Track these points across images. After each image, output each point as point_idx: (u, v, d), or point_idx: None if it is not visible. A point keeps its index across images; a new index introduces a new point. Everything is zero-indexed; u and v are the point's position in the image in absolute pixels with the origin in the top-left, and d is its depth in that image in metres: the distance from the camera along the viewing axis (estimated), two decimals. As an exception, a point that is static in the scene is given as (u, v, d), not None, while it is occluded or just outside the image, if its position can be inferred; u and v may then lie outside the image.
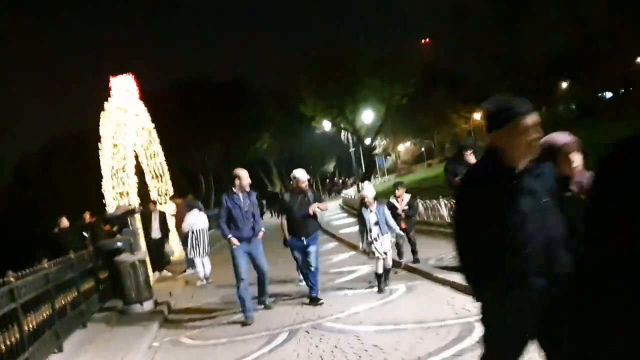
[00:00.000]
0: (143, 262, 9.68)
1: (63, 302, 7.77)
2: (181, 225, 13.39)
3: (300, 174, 7.94)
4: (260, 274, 8.02)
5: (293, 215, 7.89)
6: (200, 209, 12.18)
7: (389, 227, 8.02)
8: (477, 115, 61.72)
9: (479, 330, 5.20)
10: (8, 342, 5.36)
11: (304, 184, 7.98)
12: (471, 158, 7.17)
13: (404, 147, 63.32)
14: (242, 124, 35.67)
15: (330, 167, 70.40)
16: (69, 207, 18.97)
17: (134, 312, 9.40)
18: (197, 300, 10.32)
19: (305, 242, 7.88)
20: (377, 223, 7.90)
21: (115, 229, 11.27)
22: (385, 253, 7.86)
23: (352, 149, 41.13)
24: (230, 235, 7.64)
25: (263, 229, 7.96)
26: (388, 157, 63.73)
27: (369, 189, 8.47)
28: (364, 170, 43.73)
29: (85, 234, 12.55)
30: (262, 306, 8.12)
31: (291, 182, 8.21)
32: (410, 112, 38.18)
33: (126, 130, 13.98)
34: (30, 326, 6.14)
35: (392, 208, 8.99)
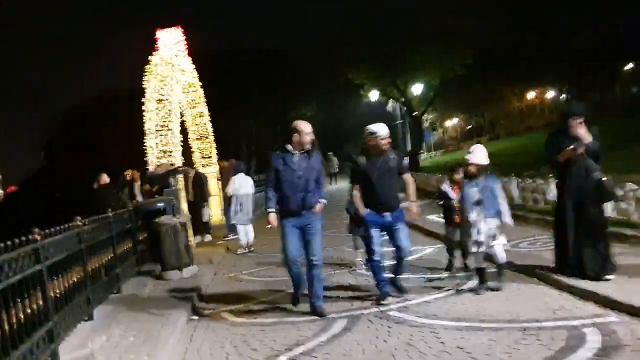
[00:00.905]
0: (184, 225, 8.94)
1: (97, 265, 7.08)
2: (224, 188, 12.68)
3: (380, 129, 6.12)
4: (310, 263, 6.09)
5: (371, 184, 6.11)
6: (246, 173, 11.35)
7: (497, 209, 5.98)
8: (531, 95, 59.24)
9: (593, 340, 4.30)
10: (29, 310, 4.63)
11: (385, 142, 6.11)
12: (581, 129, 5.67)
13: (452, 123, 61.32)
14: (287, 92, 34.72)
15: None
16: (110, 166, 18.51)
17: (172, 279, 8.70)
18: (238, 269, 9.56)
19: (389, 218, 6.10)
20: (479, 202, 6.01)
21: (155, 188, 10.56)
22: (492, 241, 5.99)
23: (399, 121, 39.66)
24: (271, 209, 6.09)
25: (324, 200, 6.25)
26: (434, 133, 61.88)
27: (479, 154, 6.24)
28: (410, 143, 42.37)
29: (135, 192, 11.85)
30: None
31: (366, 141, 6.23)
32: (463, 85, 36.46)
33: (172, 86, 13.20)
34: (58, 291, 5.42)
35: (444, 196, 7.46)
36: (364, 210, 6.21)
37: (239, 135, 37.14)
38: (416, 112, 31.63)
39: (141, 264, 9.65)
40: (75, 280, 6.11)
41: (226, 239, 12.74)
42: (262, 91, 34.25)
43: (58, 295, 5.39)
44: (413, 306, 5.84)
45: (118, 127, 29.49)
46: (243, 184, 11.14)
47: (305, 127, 6.05)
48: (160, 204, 9.04)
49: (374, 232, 6.16)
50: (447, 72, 28.30)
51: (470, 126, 63.34)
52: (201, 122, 16.36)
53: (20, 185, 56.80)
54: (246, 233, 11.24)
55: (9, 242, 4.43)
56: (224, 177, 13.50)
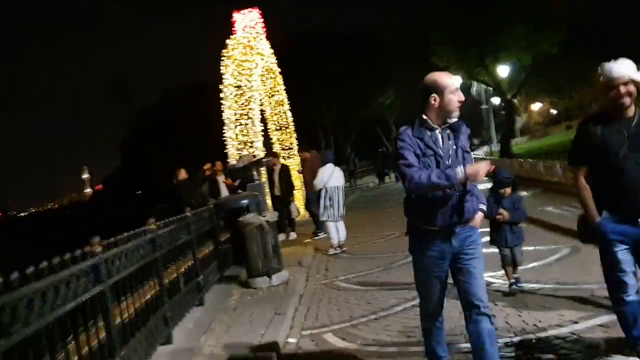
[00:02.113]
0: (273, 224, 7.73)
1: (175, 275, 5.98)
2: (307, 182, 11.43)
3: (625, 68, 3.42)
4: (473, 312, 3.51)
5: (612, 165, 3.45)
6: (335, 163, 10.04)
7: None
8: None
9: None
10: (85, 349, 3.50)
11: (633, 92, 3.41)
12: None
13: (538, 107, 57.39)
14: (366, 77, 33.12)
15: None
16: (189, 160, 17.73)
17: (260, 287, 7.52)
18: (333, 274, 8.27)
19: None
20: None
21: (237, 183, 9.45)
22: None
23: (484, 106, 37.15)
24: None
25: (483, 205, 3.62)
26: (518, 118, 58.28)
27: None
28: (494, 129, 39.73)
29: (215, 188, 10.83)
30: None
31: (600, 91, 3.53)
32: (553, 65, 33.47)
33: (250, 70, 12.11)
34: (126, 316, 4.31)
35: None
36: (595, 215, 3.61)
37: (314, 125, 35.94)
38: (507, 95, 29.16)
39: (224, 268, 8.58)
40: (149, 297, 5.01)
41: (316, 237, 11.53)
42: (337, 78, 32.78)
43: (126, 320, 4.27)
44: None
45: (197, 120, 29.00)
46: (333, 176, 9.83)
47: (449, 81, 3.47)
48: (244, 201, 7.85)
49: (622, 253, 3.51)
50: (539, 50, 25.74)
51: (557, 110, 59.17)
52: (281, 111, 15.20)
53: (104, 183, 58.76)
54: (337, 231, 9.94)
55: (61, 257, 3.32)
56: (305, 170, 12.27)
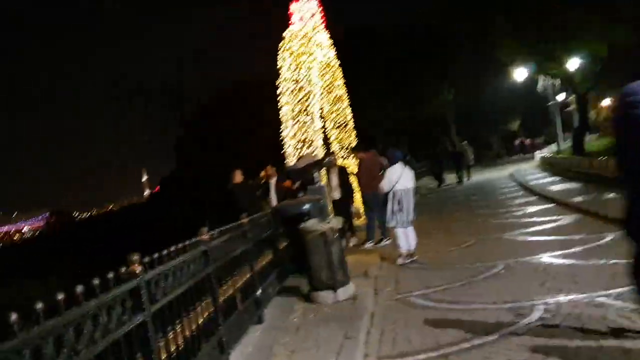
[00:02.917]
0: (338, 232, 6.87)
1: (230, 292, 5.21)
2: (364, 184, 10.50)
3: None
4: None
5: None
6: (404, 163, 9.07)
7: None
8: None
9: None
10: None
11: None
12: None
13: (607, 103, 54.08)
14: (425, 74, 31.80)
15: (515, 125, 63.66)
16: (245, 161, 17.10)
17: (324, 303, 6.68)
18: (406, 289, 7.31)
19: None
20: None
21: (296, 185, 8.64)
22: None
23: (552, 102, 35.08)
24: None
25: None
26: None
27: None
28: (560, 127, 37.55)
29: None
30: None
31: None
32: (629, 58, 31.13)
33: (309, 63, 11.32)
34: (173, 348, 3.54)
35: None
36: None
37: (372, 124, 34.74)
38: (579, 90, 27.18)
39: (283, 278, 7.79)
40: (202, 320, 4.24)
41: (380, 244, 10.60)
42: (396, 74, 31.49)
43: (174, 356, 3.50)
44: None
45: (252, 118, 28.43)
46: (402, 177, 8.87)
47: None
48: (306, 206, 7.02)
49: None
50: (615, 41, 23.77)
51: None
52: (340, 108, 14.31)
53: (161, 184, 59.68)
54: (407, 238, 8.98)
55: (86, 285, 2.56)
56: (362, 171, 11.32)
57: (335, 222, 6.78)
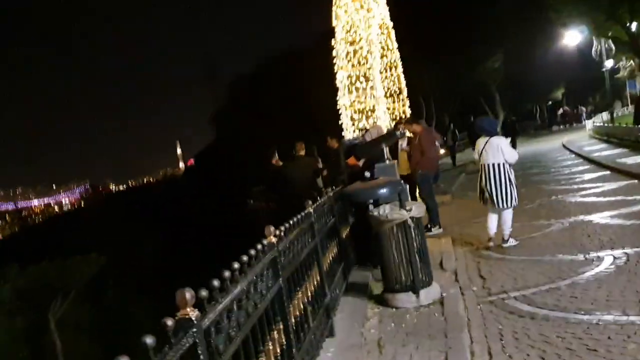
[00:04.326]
0: (419, 221, 5.66)
1: (302, 307, 4.07)
2: (418, 162, 9.14)
3: None
4: None
5: None
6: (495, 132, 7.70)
7: None
8: None
9: None
10: None
11: None
12: None
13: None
14: (472, 38, 29.71)
15: (558, 94, 60.78)
16: (285, 134, 15.91)
17: (403, 307, 5.53)
18: (497, 286, 6.08)
19: None
20: None
21: (361, 162, 7.41)
22: None
23: (606, 68, 32.74)
24: None
25: None
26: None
27: None
28: (610, 95, 35.20)
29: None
30: None
31: None
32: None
33: (368, 21, 9.93)
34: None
35: None
36: None
37: (414, 93, 32.62)
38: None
39: (348, 273, 6.65)
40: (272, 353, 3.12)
41: (430, 233, 9.26)
42: (442, 39, 29.32)
43: None
44: None
45: (294, 89, 26.93)
46: (502, 149, 7.50)
47: None
48: (383, 190, 5.78)
49: None
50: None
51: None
52: (393, 75, 12.87)
53: (196, 158, 59.28)
54: (504, 220, 7.71)
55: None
56: (414, 147, 9.95)
57: (417, 209, 5.56)
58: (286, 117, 26.44)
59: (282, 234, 3.77)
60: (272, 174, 9.79)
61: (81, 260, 20.38)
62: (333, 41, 10.36)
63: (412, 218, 5.51)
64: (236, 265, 2.68)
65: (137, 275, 27.59)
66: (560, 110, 51.61)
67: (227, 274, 2.50)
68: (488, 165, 7.55)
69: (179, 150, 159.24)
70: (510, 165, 7.48)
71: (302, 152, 9.17)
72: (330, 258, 5.61)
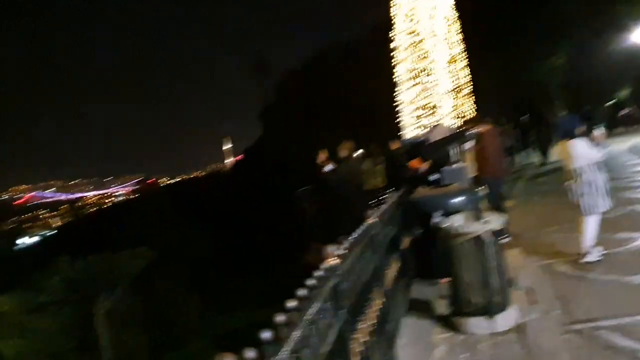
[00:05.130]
0: (496, 235, 4.91)
1: (364, 338, 3.41)
2: (483, 167, 8.28)
3: None
4: None
5: None
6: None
7: None
8: None
9: None
10: None
11: None
12: None
13: None
14: (533, 33, 28.18)
15: (622, 95, 57.78)
16: (336, 132, 15.26)
17: (476, 333, 4.80)
18: (582, 311, 5.26)
19: None
20: None
21: (425, 165, 6.69)
22: None
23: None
24: None
25: None
26: None
27: None
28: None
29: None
30: None
31: None
32: None
33: (431, 10, 9.16)
34: None
35: None
36: None
37: (473, 90, 31.21)
38: None
39: (408, 287, 5.96)
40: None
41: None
42: (502, 33, 27.82)
43: None
44: None
45: (346, 85, 26.08)
46: (582, 151, 6.64)
47: None
48: (458, 198, 5.06)
49: None
50: None
51: None
52: (455, 69, 11.94)
53: (244, 153, 59.44)
54: (594, 227, 6.84)
55: None
56: (478, 149, 9.07)
57: (495, 221, 4.82)
58: (337, 114, 25.67)
59: (344, 253, 3.13)
60: (319, 174, 9.24)
61: (130, 254, 20.41)
62: (391, 32, 9.62)
63: (489, 231, 4.77)
64: (292, 303, 2.06)
65: (185, 269, 27.55)
66: (625, 111, 49.02)
67: (281, 317, 1.88)
68: (573, 168, 6.69)
69: (227, 146, 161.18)
70: (596, 166, 6.58)
71: (351, 153, 8.53)
72: (392, 275, 4.94)
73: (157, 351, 20.27)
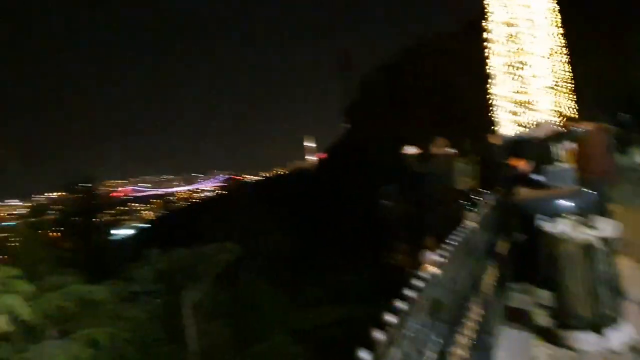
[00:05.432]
0: (610, 244, 4.43)
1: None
2: (588, 168, 7.52)
3: None
4: None
5: None
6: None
7: None
8: None
9: None
10: None
11: None
12: None
13: None
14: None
15: None
16: (424, 130, 14.77)
17: (583, 349, 4.35)
18: None
19: None
20: None
21: (528, 165, 6.20)
22: None
23: None
24: None
25: None
26: None
27: None
28: None
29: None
30: None
31: None
32: None
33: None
34: None
35: None
36: None
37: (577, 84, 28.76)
38: None
39: (504, 294, 5.55)
40: None
41: None
42: (617, 20, 25.26)
43: None
44: None
45: (440, 79, 25.17)
46: None
47: None
48: (568, 203, 4.62)
49: None
50: None
51: None
52: (555, 63, 11.07)
53: (326, 151, 59.55)
54: None
55: None
56: (581, 152, 8.25)
57: (607, 227, 4.34)
58: (426, 110, 24.87)
59: (444, 261, 2.85)
60: (407, 173, 8.90)
61: (217, 248, 20.89)
62: (485, 23, 9.08)
63: (601, 239, 4.30)
64: (391, 318, 1.83)
65: (268, 264, 27.97)
66: None
67: (380, 335, 1.66)
68: None
69: (309, 143, 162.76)
70: None
71: (443, 150, 8.12)
72: (489, 282, 4.58)
73: (242, 344, 20.68)
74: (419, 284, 2.28)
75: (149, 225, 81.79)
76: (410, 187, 9.42)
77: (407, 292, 2.16)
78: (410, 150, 8.48)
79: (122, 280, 19.67)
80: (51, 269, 16.03)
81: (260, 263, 27.64)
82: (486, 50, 8.87)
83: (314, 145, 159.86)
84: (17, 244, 18.23)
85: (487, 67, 8.93)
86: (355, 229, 29.16)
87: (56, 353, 12.19)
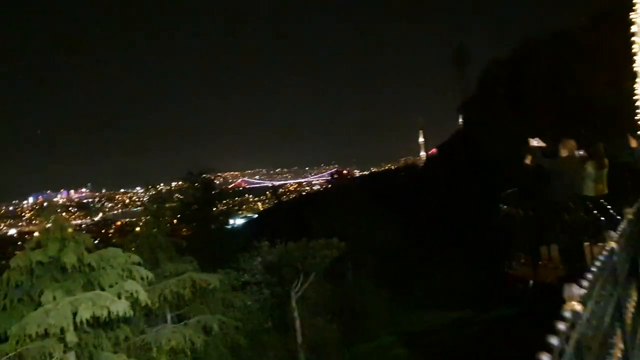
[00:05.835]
0: None
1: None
2: None
3: None
4: None
5: None
6: None
7: None
8: None
9: None
10: None
11: None
12: None
13: None
14: None
15: None
16: (547, 129, 13.77)
17: None
18: None
19: None
20: None
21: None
22: None
23: None
24: None
25: None
26: None
27: None
28: None
29: None
30: None
31: None
32: None
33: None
34: None
35: None
36: None
37: None
38: None
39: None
40: None
41: None
42: None
43: None
44: None
45: (568, 75, 23.52)
46: None
47: None
48: None
49: None
50: None
51: None
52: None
53: (438, 148, 58.01)
54: None
55: None
56: None
57: None
58: (550, 108, 23.22)
59: (585, 293, 2.43)
60: (527, 175, 8.28)
61: (323, 244, 20.99)
62: (631, 15, 8.11)
63: None
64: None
65: (374, 261, 27.69)
66: None
67: None
68: None
69: (420, 138, 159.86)
70: None
71: (572, 152, 7.39)
72: (633, 310, 4.00)
73: (347, 340, 20.67)
74: (563, 326, 1.93)
75: (259, 216, 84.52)
76: (532, 189, 8.79)
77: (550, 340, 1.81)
78: (535, 142, 7.79)
79: (233, 269, 20.42)
80: (170, 255, 16.92)
81: (368, 260, 27.45)
82: (634, 46, 7.89)
83: (421, 140, 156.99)
84: (139, 230, 19.43)
85: (633, 64, 7.96)
86: (470, 231, 28.02)
87: (173, 337, 12.83)
